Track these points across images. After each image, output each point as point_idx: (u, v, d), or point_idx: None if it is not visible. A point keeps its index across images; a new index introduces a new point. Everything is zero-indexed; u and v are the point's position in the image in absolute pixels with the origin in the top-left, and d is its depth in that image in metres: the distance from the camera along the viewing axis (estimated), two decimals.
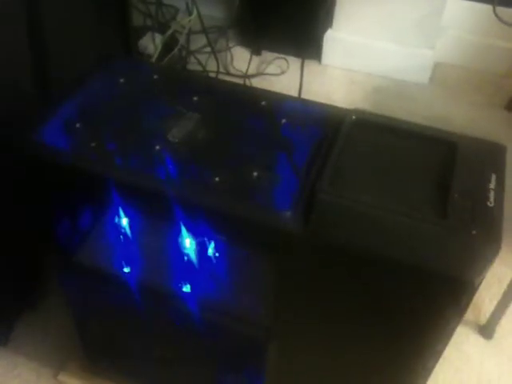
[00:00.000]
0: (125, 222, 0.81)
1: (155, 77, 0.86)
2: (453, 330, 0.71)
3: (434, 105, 1.88)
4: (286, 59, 1.96)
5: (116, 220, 0.81)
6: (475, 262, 0.61)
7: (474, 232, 0.62)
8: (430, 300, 0.68)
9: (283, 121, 0.79)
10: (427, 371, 0.77)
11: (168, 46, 1.85)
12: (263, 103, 0.82)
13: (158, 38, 1.85)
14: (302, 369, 0.89)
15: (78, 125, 0.77)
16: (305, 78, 1.80)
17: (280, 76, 1.92)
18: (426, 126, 0.77)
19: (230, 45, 2.00)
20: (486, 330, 1.24)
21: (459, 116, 1.83)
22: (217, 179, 0.71)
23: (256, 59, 1.97)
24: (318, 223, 0.66)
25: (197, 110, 0.81)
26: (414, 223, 0.65)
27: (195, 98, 0.83)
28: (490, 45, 1.95)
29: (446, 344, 0.73)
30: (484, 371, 1.20)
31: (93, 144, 0.75)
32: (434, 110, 1.85)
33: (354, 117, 0.75)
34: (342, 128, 0.75)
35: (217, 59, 1.89)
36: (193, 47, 1.94)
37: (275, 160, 0.74)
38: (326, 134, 0.76)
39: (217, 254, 0.80)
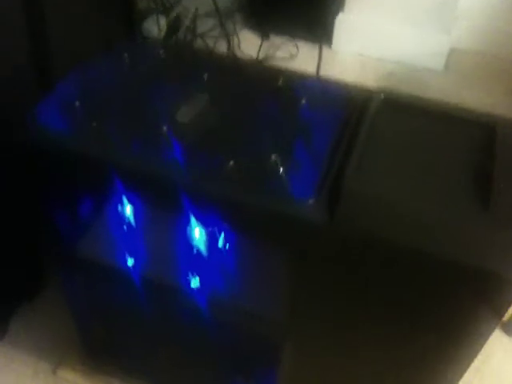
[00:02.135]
0: (129, 211, 0.77)
1: (162, 54, 0.80)
2: (491, 331, 0.65)
3: (448, 92, 1.82)
4: (295, 43, 1.89)
5: (119, 209, 0.76)
6: None
7: None
8: (469, 299, 0.62)
9: (302, 101, 0.73)
10: (458, 376, 0.71)
11: (173, 29, 1.78)
12: (280, 82, 0.76)
13: (163, 21, 1.78)
14: (318, 370, 0.83)
15: (77, 103, 0.72)
16: (314, 63, 1.74)
17: (289, 60, 1.85)
18: (462, 107, 0.70)
19: (237, 28, 1.93)
20: (509, 327, 1.18)
21: (474, 104, 1.75)
22: (231, 164, 0.65)
23: (264, 43, 1.91)
24: (345, 213, 0.60)
25: (207, 89, 0.75)
26: (452, 214, 0.59)
27: (205, 77, 0.76)
28: (506, 31, 1.88)
29: (482, 346, 0.67)
30: (506, 370, 1.15)
31: (94, 124, 0.68)
32: (449, 97, 1.79)
33: (382, 96, 0.69)
34: (368, 109, 0.68)
35: (229, 40, 1.82)
36: (199, 30, 1.87)
37: (295, 144, 0.69)
38: (350, 116, 0.70)
39: (228, 247, 0.74)
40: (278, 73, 0.78)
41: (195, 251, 0.75)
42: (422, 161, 0.65)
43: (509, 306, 0.62)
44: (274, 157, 0.66)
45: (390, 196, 0.60)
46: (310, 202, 0.61)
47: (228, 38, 1.83)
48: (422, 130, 0.68)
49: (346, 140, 0.67)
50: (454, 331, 0.67)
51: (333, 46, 1.93)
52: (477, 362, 1.14)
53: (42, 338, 1.14)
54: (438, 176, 0.64)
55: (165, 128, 0.69)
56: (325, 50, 1.91)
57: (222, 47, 1.84)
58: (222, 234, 0.74)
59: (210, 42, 1.85)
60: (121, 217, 0.77)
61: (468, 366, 0.73)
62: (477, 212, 0.59)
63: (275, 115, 0.72)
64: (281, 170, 0.65)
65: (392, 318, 0.68)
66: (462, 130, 0.68)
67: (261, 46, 1.85)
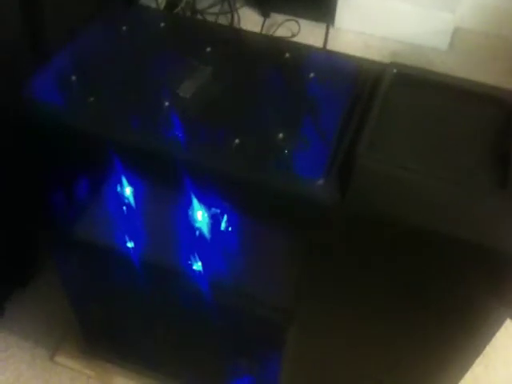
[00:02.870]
0: (128, 190, 0.73)
1: (162, 25, 0.76)
2: (505, 316, 0.62)
3: (453, 72, 1.77)
4: (296, 21, 1.85)
5: (118, 189, 0.73)
6: None
7: None
8: (483, 281, 0.59)
9: (311, 75, 0.70)
10: (468, 365, 0.69)
11: (171, 5, 1.73)
12: (287, 55, 0.72)
13: None
14: (323, 354, 0.81)
15: (73, 77, 0.68)
16: (317, 42, 1.71)
17: (291, 39, 1.80)
18: (478, 82, 0.66)
19: (237, 6, 1.88)
20: None
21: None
22: (236, 142, 0.62)
23: (265, 21, 1.85)
24: (357, 193, 0.57)
25: (210, 62, 0.71)
26: (467, 193, 0.56)
27: (208, 49, 0.72)
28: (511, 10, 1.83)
29: (494, 334, 0.64)
30: (511, 354, 1.12)
31: (91, 99, 0.65)
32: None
33: (394, 70, 0.65)
34: (381, 84, 0.65)
35: (232, 16, 1.76)
36: (198, 7, 1.82)
37: (303, 120, 0.65)
38: (361, 91, 0.66)
39: (232, 229, 0.71)
40: (284, 45, 0.74)
41: (197, 232, 0.72)
42: (437, 137, 0.62)
43: None
44: (281, 134, 0.62)
45: (403, 174, 0.57)
46: (320, 181, 0.58)
47: (232, 14, 1.78)
48: (436, 106, 0.65)
49: (358, 116, 0.64)
50: (466, 317, 0.64)
51: (335, 24, 1.88)
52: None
53: (38, 323, 1.12)
54: (453, 153, 0.61)
55: (166, 103, 0.65)
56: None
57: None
58: (226, 215, 0.71)
59: (210, 19, 1.81)
60: (120, 197, 0.74)
61: (478, 355, 0.70)
62: (493, 191, 0.56)
63: (282, 90, 0.68)
64: (289, 148, 0.61)
65: (402, 300, 0.65)
66: (478, 105, 0.65)
67: (263, 24, 1.80)
